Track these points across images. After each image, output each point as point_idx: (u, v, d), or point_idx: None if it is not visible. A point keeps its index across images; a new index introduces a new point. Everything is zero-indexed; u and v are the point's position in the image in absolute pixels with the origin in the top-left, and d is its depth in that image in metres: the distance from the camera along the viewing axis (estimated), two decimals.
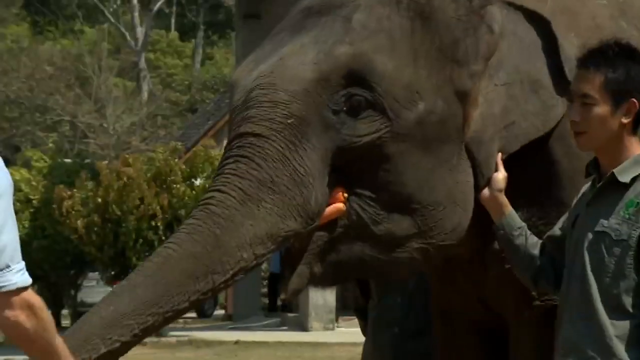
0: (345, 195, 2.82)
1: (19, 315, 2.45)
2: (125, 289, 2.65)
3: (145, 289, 2.61)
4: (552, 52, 3.05)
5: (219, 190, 2.73)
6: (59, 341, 2.53)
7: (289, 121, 2.77)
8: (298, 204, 2.75)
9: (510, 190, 2.98)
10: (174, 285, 2.63)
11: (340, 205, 2.82)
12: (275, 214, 2.72)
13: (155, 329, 2.67)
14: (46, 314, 2.52)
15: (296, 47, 2.87)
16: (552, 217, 3.03)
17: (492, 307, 3.26)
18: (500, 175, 2.96)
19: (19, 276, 2.45)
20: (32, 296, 2.49)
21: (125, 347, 2.60)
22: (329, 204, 2.81)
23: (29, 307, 2.47)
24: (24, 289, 2.46)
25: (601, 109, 2.75)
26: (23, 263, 2.48)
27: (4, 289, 2.43)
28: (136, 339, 2.62)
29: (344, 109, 2.82)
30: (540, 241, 2.94)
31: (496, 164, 2.97)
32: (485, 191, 2.96)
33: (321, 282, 2.97)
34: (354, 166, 2.83)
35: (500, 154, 2.97)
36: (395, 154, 2.84)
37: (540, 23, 3.07)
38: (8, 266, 2.44)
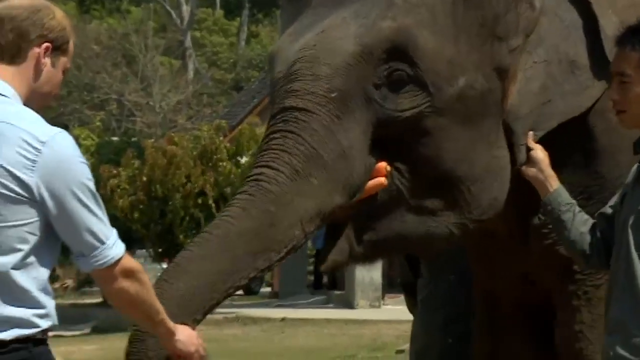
0: (389, 168, 2.82)
1: (122, 282, 2.53)
2: (190, 262, 2.66)
3: (209, 267, 2.63)
4: (592, 32, 3.04)
5: (268, 166, 2.73)
6: (159, 305, 2.60)
7: (332, 95, 2.77)
8: (343, 178, 2.76)
9: (557, 167, 2.96)
10: (237, 261, 2.65)
11: (382, 180, 2.82)
12: (323, 190, 2.73)
13: (218, 305, 2.71)
14: (146, 277, 2.59)
15: (338, 20, 2.86)
16: (594, 193, 3.05)
17: (536, 283, 3.25)
18: (539, 151, 2.95)
19: (114, 249, 2.51)
20: (130, 262, 2.56)
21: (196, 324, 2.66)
22: (371, 178, 2.81)
23: (130, 273, 2.54)
24: (120, 259, 2.52)
25: (639, 87, 2.74)
26: (114, 232, 2.54)
27: (104, 265, 2.50)
28: (203, 317, 2.67)
29: (386, 83, 2.82)
30: (590, 218, 2.92)
31: (528, 142, 2.96)
32: (530, 167, 2.95)
33: (361, 258, 2.96)
34: (394, 140, 2.83)
35: (532, 132, 2.97)
36: (435, 128, 2.84)
37: (581, 3, 3.06)
38: (103, 242, 2.49)
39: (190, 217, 16.06)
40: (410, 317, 3.90)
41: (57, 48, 2.65)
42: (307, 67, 2.80)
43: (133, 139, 21.75)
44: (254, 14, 39.62)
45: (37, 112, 2.58)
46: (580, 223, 2.91)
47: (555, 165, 2.98)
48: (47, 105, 2.76)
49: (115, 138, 22.29)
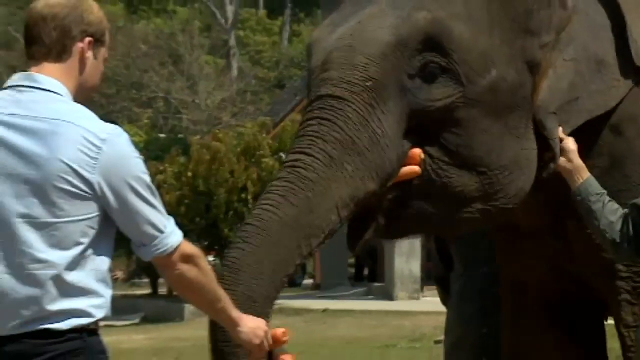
0: (422, 156, 2.83)
1: (182, 268, 2.55)
2: (243, 261, 2.67)
3: (264, 259, 2.65)
4: (620, 34, 3.04)
5: (304, 153, 2.74)
6: (222, 291, 2.61)
7: (367, 84, 2.78)
8: (377, 165, 2.76)
9: (597, 160, 3.01)
10: (285, 251, 2.67)
11: (415, 168, 2.83)
12: (357, 177, 2.74)
13: (278, 295, 2.73)
14: (205, 262, 2.60)
15: (374, 11, 2.87)
16: (622, 195, 3.02)
17: (580, 277, 3.24)
18: (570, 143, 2.95)
19: (173, 237, 2.54)
20: (188, 247, 2.57)
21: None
22: (405, 164, 2.82)
23: (188, 258, 2.56)
24: (179, 245, 2.54)
25: None
26: (171, 221, 2.56)
27: (164, 253, 2.52)
28: (271, 310, 2.70)
29: (420, 73, 2.82)
30: (620, 207, 2.93)
31: (561, 137, 2.96)
32: (561, 159, 2.95)
33: (391, 235, 3.00)
34: (427, 129, 2.84)
35: (561, 128, 2.97)
36: (467, 118, 2.85)
37: (611, 5, 3.05)
38: (162, 232, 2.52)
39: (234, 211, 16.11)
40: (445, 309, 3.91)
41: (97, 40, 2.66)
42: (344, 56, 2.81)
43: (179, 136, 21.87)
44: (296, 13, 39.62)
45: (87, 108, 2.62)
46: (610, 212, 2.91)
47: (590, 169, 2.98)
48: (91, 97, 2.78)
49: (162, 135, 22.42)
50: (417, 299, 15.75)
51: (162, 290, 20.09)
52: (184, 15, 34.63)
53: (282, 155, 16.89)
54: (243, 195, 16.05)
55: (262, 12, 38.51)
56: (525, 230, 3.16)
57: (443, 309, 3.96)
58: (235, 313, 2.64)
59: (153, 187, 2.57)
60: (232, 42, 33.75)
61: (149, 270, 20.09)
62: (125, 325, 14.47)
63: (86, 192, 2.47)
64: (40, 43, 2.60)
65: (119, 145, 2.52)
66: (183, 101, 27.95)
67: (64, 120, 2.50)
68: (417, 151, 2.83)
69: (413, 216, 2.90)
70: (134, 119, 26.49)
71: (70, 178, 2.46)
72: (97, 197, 2.48)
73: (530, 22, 2.93)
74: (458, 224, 3.01)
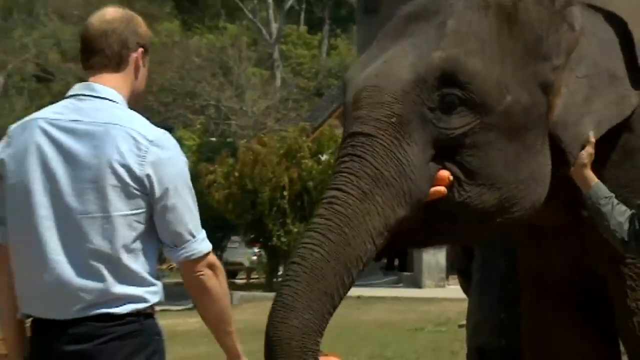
0: (451, 178, 2.81)
1: (206, 273, 2.56)
2: (293, 298, 2.64)
3: (311, 295, 2.64)
4: (628, 49, 3.00)
5: (339, 189, 2.74)
6: (231, 317, 2.60)
7: (392, 120, 2.77)
8: (405, 193, 2.75)
9: (601, 166, 2.96)
10: (330, 286, 2.66)
11: (441, 189, 2.80)
12: (387, 207, 2.73)
13: (327, 323, 2.71)
14: (224, 278, 2.60)
15: (397, 52, 2.86)
16: (637, 187, 3.02)
17: (591, 268, 3.22)
18: (587, 152, 2.92)
19: (203, 244, 2.54)
20: (214, 259, 2.58)
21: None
22: (435, 185, 2.80)
23: (212, 267, 2.57)
24: (207, 254, 2.55)
25: None
26: (204, 232, 2.57)
27: (192, 257, 2.53)
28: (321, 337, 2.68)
29: (440, 106, 2.80)
30: (628, 209, 2.91)
31: (588, 142, 2.93)
32: (574, 168, 2.93)
33: (421, 245, 3.03)
34: (449, 154, 2.81)
35: (592, 133, 2.93)
36: (485, 142, 2.82)
37: (618, 23, 3.01)
38: (194, 237, 2.53)
39: (277, 207, 16.14)
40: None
41: (146, 50, 2.69)
42: (371, 96, 2.81)
43: (228, 140, 21.93)
44: (334, 29, 39.61)
45: (145, 117, 2.63)
46: (618, 214, 2.89)
47: (606, 166, 2.98)
48: (143, 102, 2.80)
49: (213, 139, 22.49)
50: (443, 287, 15.70)
51: None
52: (233, 31, 34.74)
53: (320, 156, 16.90)
54: (285, 193, 16.06)
55: (302, 28, 38.53)
56: (546, 228, 3.14)
57: (465, 296, 3.94)
58: (239, 346, 2.62)
59: (193, 192, 2.56)
60: (276, 55, 33.81)
61: None
62: (180, 310, 14.54)
63: (135, 189, 2.47)
64: (102, 55, 2.61)
65: (166, 147, 2.52)
66: (232, 108, 28.03)
67: (117, 124, 2.50)
68: (445, 173, 2.81)
69: (437, 232, 2.89)
70: (188, 124, 26.58)
71: (121, 176, 2.47)
72: (145, 194, 2.48)
73: (540, 48, 2.89)
74: (478, 236, 3.02)
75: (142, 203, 2.49)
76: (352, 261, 2.69)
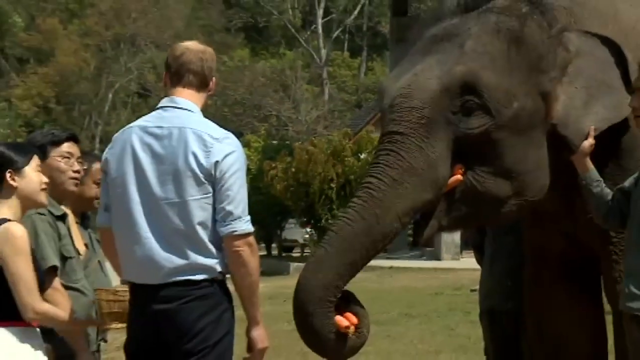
0: (462, 169, 2.78)
1: (245, 250, 2.51)
2: (324, 262, 2.63)
3: (340, 260, 2.63)
4: (622, 66, 2.95)
5: (375, 177, 2.72)
6: (258, 289, 2.56)
7: (421, 121, 2.75)
8: (431, 181, 2.72)
9: (601, 157, 2.92)
10: (356, 254, 2.65)
11: (459, 177, 2.78)
12: (415, 191, 2.70)
13: (345, 285, 2.68)
14: (257, 257, 2.55)
15: (426, 66, 2.84)
16: (617, 180, 2.96)
17: (584, 243, 3.16)
18: (588, 143, 2.87)
19: (246, 224, 2.51)
20: (252, 240, 2.54)
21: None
22: (451, 176, 2.78)
23: (251, 246, 2.53)
24: (249, 234, 2.51)
25: None
26: (249, 217, 2.54)
27: (235, 233, 2.49)
28: (336, 298, 2.63)
29: (461, 110, 2.78)
30: (610, 192, 2.89)
31: (588, 134, 2.87)
32: (576, 155, 2.89)
33: (446, 229, 2.94)
34: (468, 149, 2.79)
35: (593, 128, 2.88)
36: (498, 139, 2.79)
37: (612, 46, 2.97)
38: (240, 217, 2.50)
39: (325, 196, 16.15)
40: (480, 267, 3.82)
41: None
42: (405, 102, 2.79)
43: (287, 142, 21.95)
44: (371, 54, 39.50)
45: (216, 123, 2.63)
46: (605, 194, 2.89)
47: (604, 156, 2.94)
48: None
49: (274, 142, 22.53)
50: (458, 259, 15.59)
51: (274, 252, 20.26)
52: (290, 56, 34.83)
53: (360, 155, 16.87)
54: (332, 185, 16.06)
55: (346, 53, 38.48)
56: (548, 209, 3.09)
57: (477, 266, 3.87)
58: (259, 314, 2.58)
59: (245, 183, 2.52)
60: (325, 75, 33.80)
61: (266, 238, 20.26)
62: None
63: (204, 177, 2.47)
64: (190, 74, 2.62)
65: (227, 143, 2.52)
66: (289, 117, 28.09)
67: (189, 128, 2.52)
68: (459, 165, 2.80)
69: (462, 215, 2.85)
70: (255, 130, 26.70)
71: (193, 168, 2.47)
72: (211, 180, 2.48)
73: (541, 64, 2.86)
74: (498, 218, 2.96)
75: (209, 188, 2.48)
76: (379, 237, 2.67)
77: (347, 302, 2.66)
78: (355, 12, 35.97)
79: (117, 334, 2.92)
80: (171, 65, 2.64)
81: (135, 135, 2.57)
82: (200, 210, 2.48)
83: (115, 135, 2.67)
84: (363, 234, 2.64)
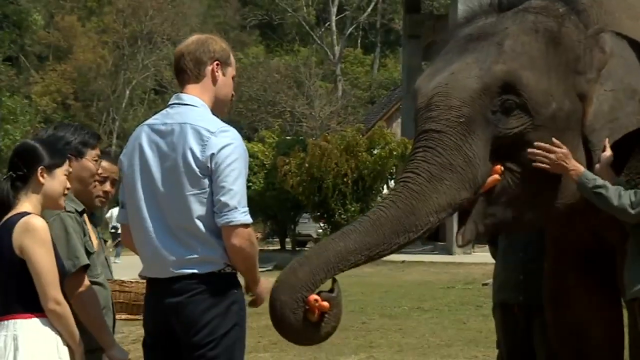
0: (502, 169, 2.75)
1: (243, 244, 2.48)
2: (352, 232, 2.63)
3: (364, 237, 2.61)
4: None
5: (412, 172, 2.70)
6: (256, 265, 2.58)
7: (460, 120, 2.72)
8: (469, 179, 2.70)
9: (621, 162, 2.90)
10: (383, 237, 2.63)
11: (497, 177, 2.75)
12: (453, 188, 2.68)
13: (361, 264, 2.66)
14: (256, 247, 2.54)
15: (463, 65, 2.80)
16: None
17: (603, 237, 3.14)
18: (608, 154, 2.85)
19: (243, 215, 2.47)
20: (250, 230, 2.51)
21: (341, 272, 2.61)
22: (490, 175, 2.75)
23: (249, 239, 2.50)
24: (246, 225, 2.48)
25: None
26: (247, 207, 2.50)
27: (231, 224, 2.46)
28: (348, 269, 2.63)
29: (500, 109, 2.75)
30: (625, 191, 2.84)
31: (604, 147, 2.85)
32: (599, 165, 2.86)
33: (483, 235, 2.88)
34: (507, 149, 2.76)
35: (607, 139, 2.86)
36: (536, 139, 2.76)
37: (639, 48, 2.94)
38: (236, 207, 2.46)
39: (338, 191, 16.12)
40: (493, 261, 3.80)
41: (223, 62, 2.64)
42: (442, 100, 2.75)
43: (300, 138, 21.92)
44: (383, 51, 39.40)
45: (231, 119, 2.61)
46: (623, 195, 2.84)
47: (625, 160, 2.91)
48: (229, 107, 2.74)
49: (288, 137, 22.50)
50: (470, 254, 15.50)
51: (288, 247, 20.27)
52: (304, 53, 34.78)
53: (373, 150, 16.82)
54: (345, 179, 16.03)
55: (359, 50, 38.42)
56: (577, 206, 3.05)
57: (488, 261, 3.85)
58: (259, 278, 2.59)
59: (244, 175, 2.48)
60: (338, 71, 33.75)
61: (279, 233, 20.27)
62: (262, 271, 14.57)
63: (200, 172, 2.46)
64: (183, 71, 2.62)
65: (223, 136, 2.48)
66: (303, 113, 28.09)
67: (187, 123, 2.51)
68: (498, 166, 2.76)
69: (497, 221, 2.82)
70: (269, 126, 26.69)
71: (191, 163, 2.46)
72: (208, 175, 2.46)
73: (578, 65, 2.84)
74: (535, 221, 2.94)
75: (207, 183, 2.46)
76: (412, 227, 2.64)
77: (330, 288, 2.58)
78: (369, 9, 35.87)
79: (133, 327, 2.94)
80: (174, 67, 2.69)
81: (144, 134, 2.59)
82: (199, 205, 2.47)
83: (132, 135, 2.69)
84: (395, 220, 2.62)
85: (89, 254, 2.82)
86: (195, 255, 2.47)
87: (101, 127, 30.44)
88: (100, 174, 3.01)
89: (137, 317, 3.10)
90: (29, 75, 32.18)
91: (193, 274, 2.47)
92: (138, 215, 2.55)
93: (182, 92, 2.63)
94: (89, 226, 2.99)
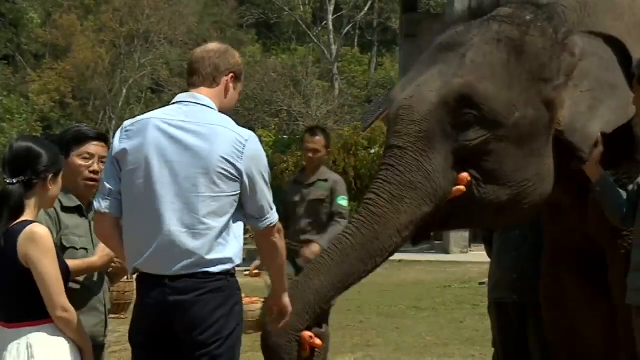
0: (468, 177, 2.78)
1: (277, 237, 2.60)
2: (323, 266, 2.70)
3: (335, 269, 2.69)
4: (626, 64, 2.92)
5: (374, 193, 2.76)
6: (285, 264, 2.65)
7: (420, 135, 2.76)
8: (429, 194, 2.74)
9: (610, 157, 2.91)
10: (351, 267, 2.70)
11: (461, 187, 2.78)
12: (413, 206, 2.73)
13: (340, 294, 2.76)
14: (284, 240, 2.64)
15: (428, 77, 2.84)
16: (633, 174, 2.97)
17: (594, 238, 3.16)
18: (598, 151, 2.86)
19: (275, 215, 2.59)
20: (280, 226, 2.62)
21: (323, 308, 2.77)
22: (456, 185, 2.78)
23: (280, 232, 2.61)
24: (277, 221, 2.60)
25: None
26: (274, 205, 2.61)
27: (271, 225, 2.57)
28: (330, 302, 2.79)
29: (459, 122, 2.77)
30: (622, 192, 2.87)
31: (597, 142, 2.86)
32: (587, 164, 2.88)
33: (446, 229, 2.96)
34: (469, 160, 2.79)
35: (600, 135, 2.86)
36: (497, 150, 2.79)
37: (616, 44, 2.94)
38: (271, 209, 2.57)
39: None
40: (488, 260, 3.83)
41: (237, 76, 2.68)
42: (406, 114, 2.80)
43: (297, 137, 21.91)
44: (380, 50, 39.38)
45: (233, 119, 2.65)
46: (620, 196, 2.88)
47: (613, 156, 2.92)
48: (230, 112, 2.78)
49: (285, 136, 22.51)
50: (466, 253, 15.54)
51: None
52: (301, 52, 34.75)
53: (370, 149, 16.85)
54: (343, 178, 16.04)
55: (356, 49, 38.39)
56: (565, 206, 3.08)
57: (485, 260, 3.88)
58: (286, 285, 2.65)
59: (268, 178, 2.58)
60: (335, 70, 33.72)
61: None
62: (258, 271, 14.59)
63: (235, 176, 2.50)
64: (199, 74, 2.64)
65: (254, 145, 2.56)
66: (300, 112, 28.06)
67: (219, 126, 2.53)
68: (464, 175, 2.79)
69: (460, 222, 2.90)
70: (266, 125, 26.70)
71: (225, 166, 2.49)
72: (241, 179, 2.51)
73: (544, 72, 2.83)
74: (498, 223, 3.02)
75: (237, 187, 2.51)
76: (378, 252, 2.71)
77: (318, 319, 2.73)
78: (366, 9, 35.86)
79: (116, 325, 2.93)
80: (188, 67, 2.69)
81: (156, 128, 2.54)
82: (229, 207, 2.51)
83: (127, 124, 2.61)
84: (360, 247, 2.68)
85: (64, 248, 2.82)
86: (209, 256, 2.49)
87: (98, 126, 30.42)
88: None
89: (120, 315, 3.11)
90: (26, 74, 32.12)
91: (203, 272, 2.49)
92: (149, 211, 2.50)
93: (195, 92, 2.63)
94: (80, 221, 2.97)
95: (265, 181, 2.54)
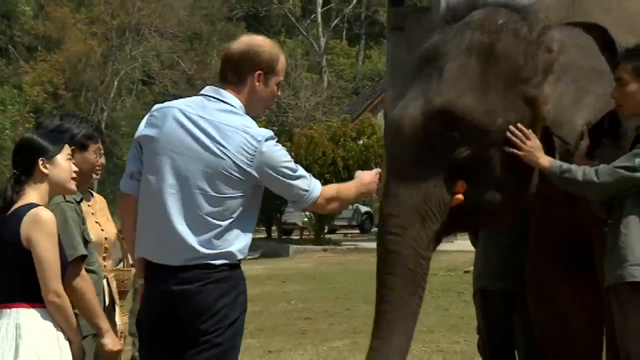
0: (464, 185, 2.81)
1: (324, 205, 2.65)
2: (390, 325, 2.84)
3: (401, 317, 2.85)
4: (609, 49, 2.91)
5: (388, 232, 2.83)
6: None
7: (411, 154, 2.79)
8: (433, 212, 2.79)
9: (602, 140, 2.93)
10: (412, 306, 2.87)
11: (459, 197, 2.83)
12: (423, 230, 2.80)
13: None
14: (337, 195, 2.70)
15: (413, 94, 2.86)
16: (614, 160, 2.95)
17: (581, 226, 3.18)
18: (584, 144, 2.87)
19: (315, 190, 2.60)
20: (326, 191, 2.64)
21: None
22: (454, 194, 2.82)
23: (329, 200, 2.64)
24: (320, 192, 2.63)
25: (629, 87, 2.75)
26: (312, 180, 2.64)
27: (312, 202, 2.59)
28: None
29: (446, 137, 2.78)
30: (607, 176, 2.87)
31: (582, 134, 2.86)
32: (576, 154, 2.88)
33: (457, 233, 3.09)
34: (462, 169, 2.81)
35: (585, 127, 2.86)
36: (488, 156, 2.81)
37: (597, 30, 2.92)
38: (307, 190, 2.59)
39: (325, 180, 16.11)
40: (474, 249, 3.83)
41: (267, 72, 2.62)
42: (396, 136, 2.84)
43: (286, 128, 21.91)
44: (368, 42, 39.34)
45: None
46: (590, 171, 2.87)
47: (601, 142, 2.94)
48: (264, 110, 2.79)
49: (274, 128, 22.48)
50: (452, 242, 15.50)
51: (274, 235, 20.25)
52: (290, 45, 34.63)
53: (359, 140, 16.87)
54: (331, 168, 16.05)
55: (344, 42, 38.33)
56: (556, 199, 3.09)
57: (470, 248, 3.88)
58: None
59: (293, 164, 2.57)
60: (324, 63, 33.67)
61: (265, 221, 20.23)
62: (248, 259, 14.57)
63: (243, 178, 2.50)
64: (226, 71, 2.61)
65: (268, 146, 2.53)
66: (289, 104, 28.01)
67: (232, 127, 2.51)
68: (459, 183, 2.82)
69: (460, 226, 2.98)
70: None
71: (232, 169, 2.48)
72: (253, 180, 2.51)
73: (521, 74, 2.82)
74: (493, 223, 3.07)
75: (246, 188, 2.51)
76: (420, 283, 2.84)
77: None
78: (354, 2, 35.78)
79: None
80: (221, 63, 2.64)
81: (174, 118, 2.54)
82: (237, 206, 2.50)
83: (155, 109, 2.60)
84: (404, 286, 2.79)
85: (86, 242, 2.82)
86: (214, 249, 2.49)
87: (90, 117, 30.22)
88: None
89: (119, 303, 3.11)
90: (19, 66, 31.89)
91: (207, 264, 2.49)
92: (159, 200, 2.51)
93: (220, 88, 2.60)
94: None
95: (284, 173, 2.52)
